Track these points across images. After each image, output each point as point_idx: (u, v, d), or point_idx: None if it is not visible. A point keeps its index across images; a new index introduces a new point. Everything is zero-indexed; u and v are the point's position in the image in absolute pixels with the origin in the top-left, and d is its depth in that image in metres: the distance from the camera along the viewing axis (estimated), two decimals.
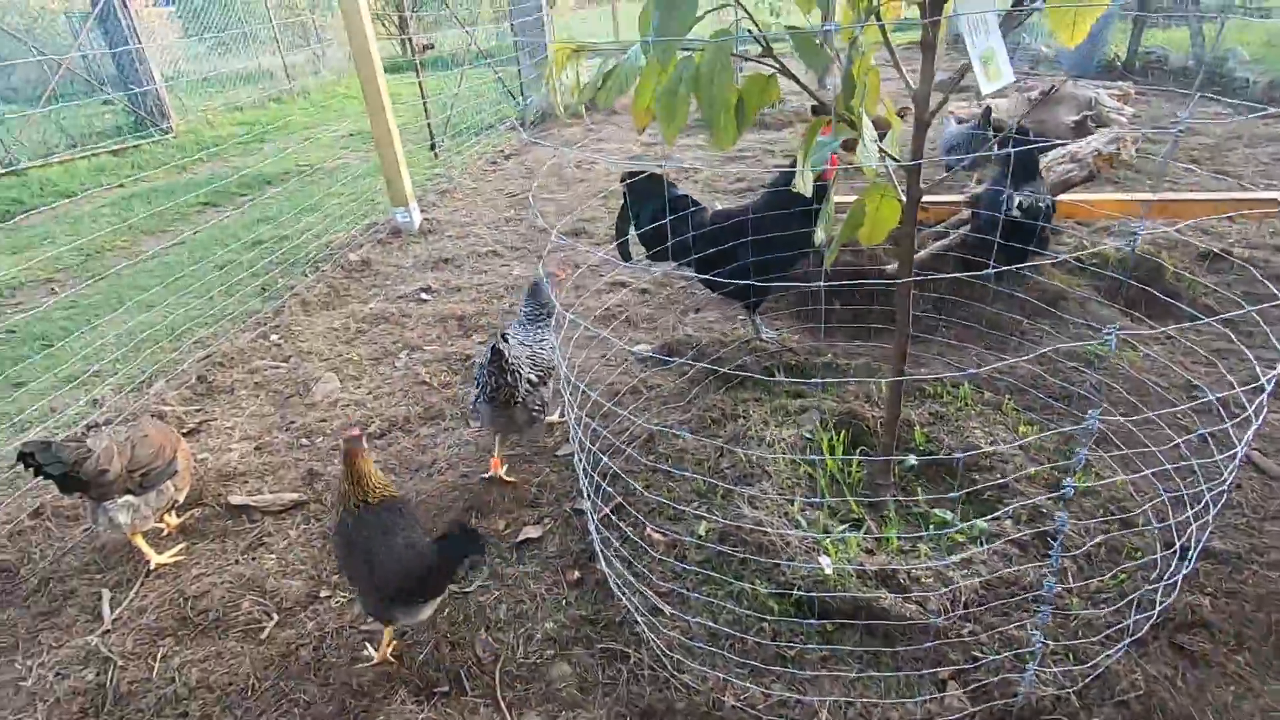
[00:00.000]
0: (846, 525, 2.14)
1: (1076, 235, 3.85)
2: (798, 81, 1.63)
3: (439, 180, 6.62)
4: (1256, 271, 3.52)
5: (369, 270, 4.70)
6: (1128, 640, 1.73)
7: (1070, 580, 1.88)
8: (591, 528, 1.96)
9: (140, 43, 9.30)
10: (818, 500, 2.19)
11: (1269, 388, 1.57)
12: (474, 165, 7.15)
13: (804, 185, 1.70)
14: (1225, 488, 1.72)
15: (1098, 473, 2.26)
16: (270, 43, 13.33)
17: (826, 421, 2.51)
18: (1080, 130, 5.25)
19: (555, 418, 2.87)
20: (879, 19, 1.59)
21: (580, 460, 1.90)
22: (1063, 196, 3.37)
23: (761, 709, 1.69)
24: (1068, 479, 1.40)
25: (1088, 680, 1.67)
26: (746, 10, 1.51)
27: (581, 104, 1.59)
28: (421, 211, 5.55)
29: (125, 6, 9.08)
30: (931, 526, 2.09)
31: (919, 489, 2.25)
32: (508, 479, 2.57)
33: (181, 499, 2.43)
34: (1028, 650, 1.66)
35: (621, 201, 2.96)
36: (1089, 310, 3.21)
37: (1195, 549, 1.81)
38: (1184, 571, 1.77)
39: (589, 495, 1.93)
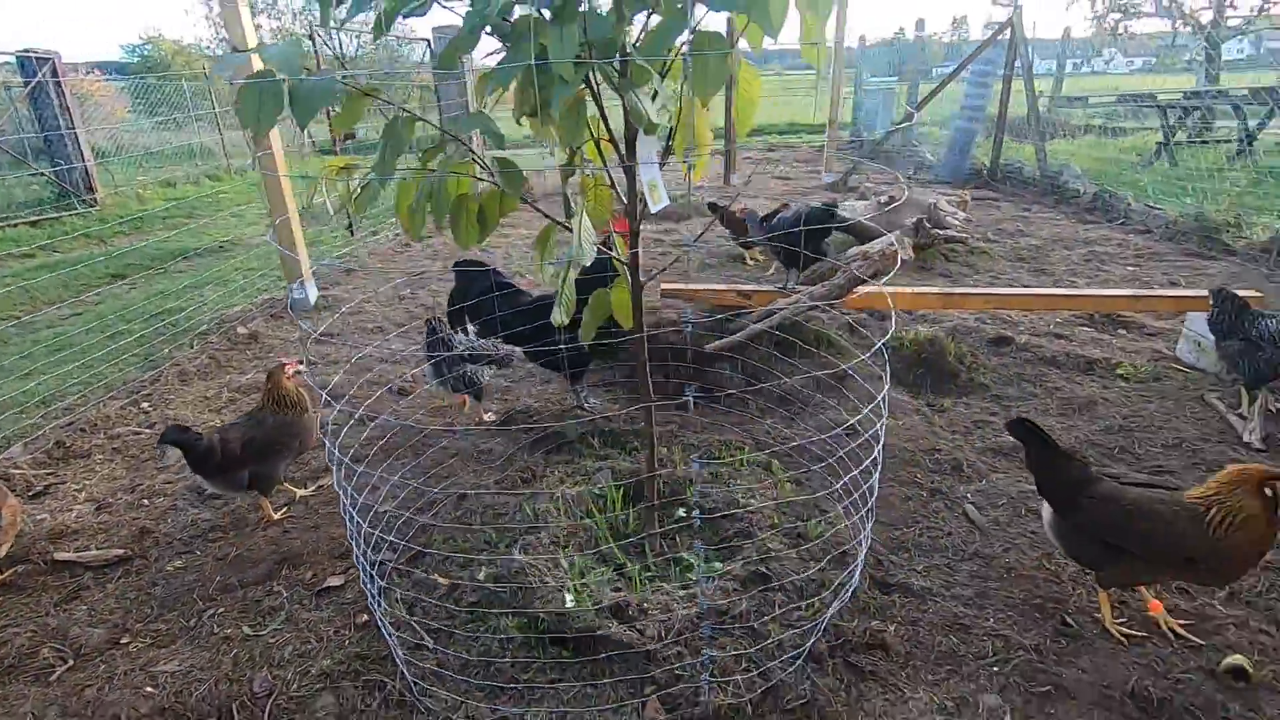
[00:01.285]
0: (610, 568, 2.43)
1: (870, 324, 4.40)
2: (530, 203, 2.05)
3: (347, 259, 6.97)
4: (1031, 354, 4.11)
5: (255, 343, 4.93)
6: (802, 659, 2.05)
7: (775, 609, 2.21)
8: (363, 576, 2.20)
9: (71, 118, 9.61)
10: (579, 550, 2.48)
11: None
12: (386, 247, 7.55)
13: (559, 317, 2.12)
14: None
15: (830, 521, 2.62)
16: (211, 120, 13.81)
17: (618, 479, 2.84)
18: (918, 231, 5.98)
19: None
20: (585, 158, 2.03)
21: (350, 514, 2.16)
22: (861, 289, 3.91)
23: (482, 717, 1.93)
24: (695, 511, 1.73)
25: (762, 691, 1.97)
26: (471, 149, 1.93)
27: (347, 210, 1.97)
28: (321, 289, 5.86)
29: (59, 83, 9.43)
30: (677, 568, 2.40)
31: (678, 537, 2.57)
32: (274, 516, 2.92)
33: (1, 553, 2.57)
34: (708, 666, 1.96)
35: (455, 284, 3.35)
36: (872, 387, 3.67)
37: (855, 575, 2.17)
38: (836, 603, 2.11)
39: (357, 547, 2.18)
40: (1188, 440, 3.20)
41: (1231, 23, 15.01)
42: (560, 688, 2.03)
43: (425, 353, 3.40)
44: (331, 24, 1.85)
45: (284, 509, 3.01)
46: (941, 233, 6.09)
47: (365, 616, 2.38)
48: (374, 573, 2.18)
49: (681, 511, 2.69)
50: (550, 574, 2.34)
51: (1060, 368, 4.00)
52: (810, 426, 3.27)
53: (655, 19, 1.75)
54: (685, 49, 1.67)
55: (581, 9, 1.64)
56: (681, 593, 2.25)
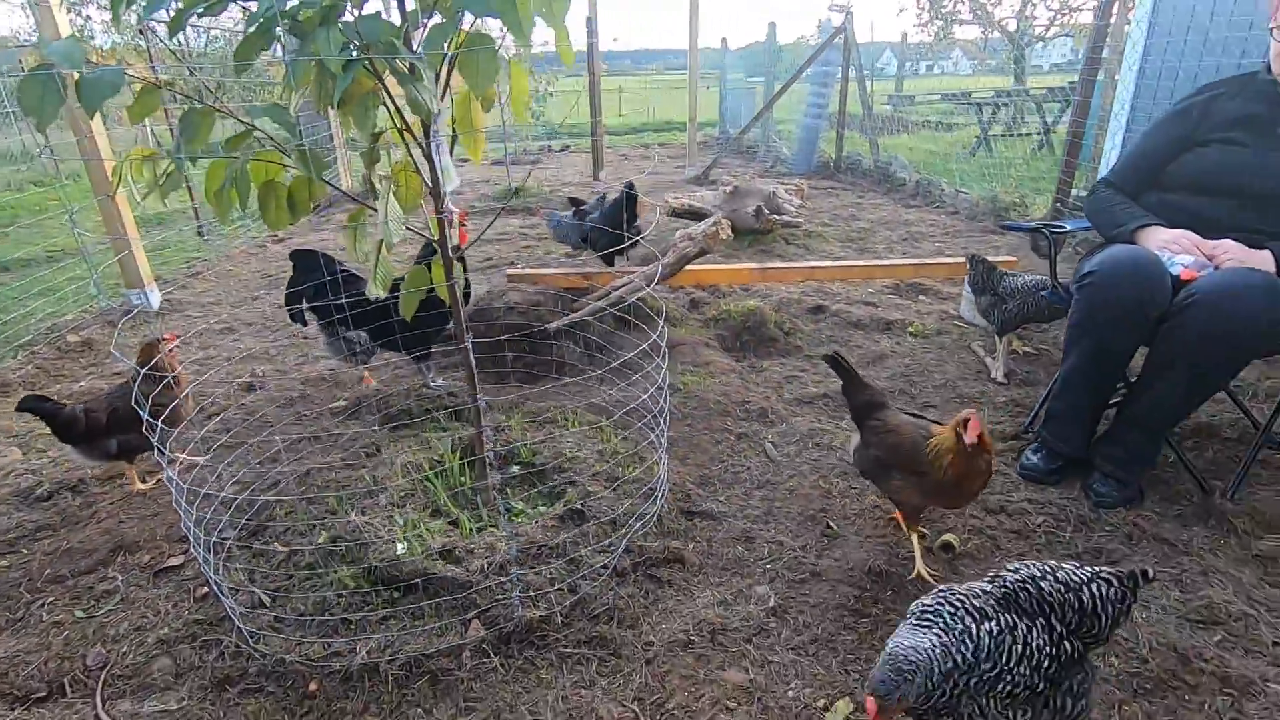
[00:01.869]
0: (444, 522, 2.67)
1: (702, 296, 4.86)
2: (330, 185, 2.24)
3: (196, 263, 6.72)
4: (841, 319, 4.67)
5: (90, 351, 4.74)
6: (608, 575, 2.38)
7: (590, 539, 2.52)
8: (198, 552, 2.32)
9: None
10: (417, 510, 2.70)
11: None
12: (240, 249, 7.31)
13: (375, 289, 2.30)
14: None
15: (650, 465, 2.97)
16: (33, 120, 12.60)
17: (457, 447, 3.07)
18: (758, 216, 6.54)
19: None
20: (388, 141, 2.25)
21: (179, 502, 2.28)
22: (689, 267, 4.33)
23: (317, 659, 2.12)
24: (514, 468, 2.01)
25: (571, 604, 2.28)
26: (267, 134, 2.11)
27: (151, 197, 2.09)
28: (165, 294, 5.66)
29: None
30: (507, 517, 2.67)
31: (509, 491, 2.84)
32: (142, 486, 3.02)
33: None
34: (517, 584, 2.24)
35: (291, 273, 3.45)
36: (699, 353, 4.10)
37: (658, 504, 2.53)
38: (639, 525, 2.46)
39: (189, 527, 2.30)
40: (951, 380, 3.83)
41: (1037, 31, 17.14)
42: (390, 624, 2.24)
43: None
44: (133, 20, 1.97)
45: (155, 480, 3.09)
46: (779, 218, 6.69)
47: (205, 590, 2.48)
48: (213, 548, 2.30)
49: (514, 469, 2.96)
50: (386, 530, 2.54)
51: (864, 329, 4.60)
52: (640, 390, 3.63)
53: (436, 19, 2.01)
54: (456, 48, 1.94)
55: (358, 13, 1.87)
56: (505, 534, 2.52)
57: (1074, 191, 6.67)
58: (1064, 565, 1.63)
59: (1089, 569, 1.62)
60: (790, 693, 1.99)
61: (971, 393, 3.69)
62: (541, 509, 2.71)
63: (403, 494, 2.78)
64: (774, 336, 4.38)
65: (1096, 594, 1.56)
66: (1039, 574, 1.61)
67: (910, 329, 4.56)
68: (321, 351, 4.11)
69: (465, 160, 12.94)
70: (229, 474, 3.05)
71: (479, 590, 2.31)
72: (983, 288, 3.97)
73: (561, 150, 14.98)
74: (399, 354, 3.66)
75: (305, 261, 3.45)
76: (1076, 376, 2.76)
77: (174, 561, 2.64)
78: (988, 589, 1.63)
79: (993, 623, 1.55)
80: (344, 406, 3.72)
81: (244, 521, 2.73)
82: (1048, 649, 1.54)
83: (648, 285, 4.12)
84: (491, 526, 2.63)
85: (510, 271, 4.46)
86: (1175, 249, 2.65)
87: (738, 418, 3.48)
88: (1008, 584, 1.61)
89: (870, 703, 1.47)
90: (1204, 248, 2.62)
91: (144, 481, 3.11)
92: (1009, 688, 1.52)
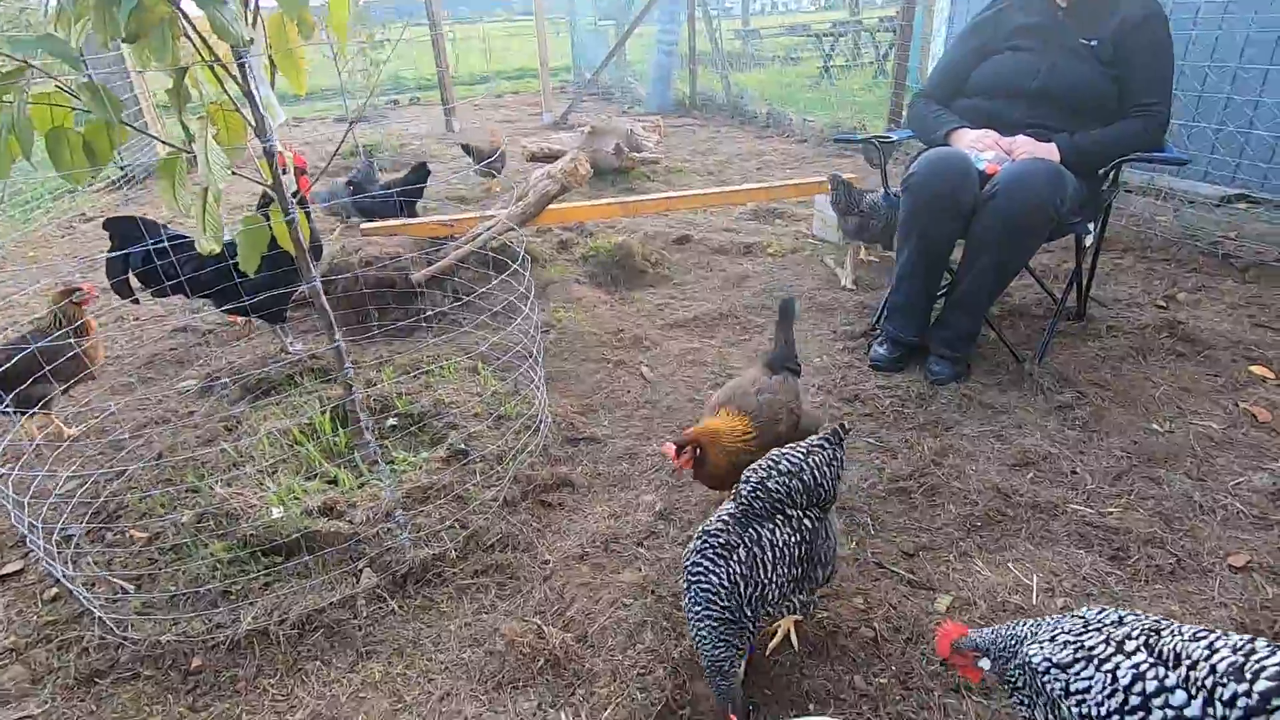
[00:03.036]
0: (322, 483, 2.57)
1: (571, 234, 4.88)
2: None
3: None
4: (706, 247, 4.81)
5: None
6: (498, 506, 2.42)
7: (477, 476, 2.53)
8: (41, 554, 2.11)
9: None
10: (290, 476, 2.59)
11: None
12: (40, 232, 6.41)
13: (208, 245, 2.10)
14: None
15: (527, 399, 3.00)
16: None
17: (326, 407, 2.94)
18: (618, 154, 6.54)
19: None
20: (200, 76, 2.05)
21: (9, 507, 2.05)
22: (551, 206, 4.29)
23: (197, 635, 2.02)
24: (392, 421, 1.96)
25: (464, 538, 2.30)
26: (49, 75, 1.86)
27: None
28: None
29: None
30: (388, 466, 2.62)
31: (389, 442, 2.78)
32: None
33: None
34: (405, 526, 2.24)
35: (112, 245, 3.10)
36: (570, 290, 4.12)
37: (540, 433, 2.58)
38: (524, 457, 2.51)
39: (24, 528, 2.09)
40: (808, 291, 4.10)
41: None
42: (275, 588, 2.17)
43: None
44: None
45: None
46: (639, 155, 6.73)
47: (54, 591, 2.27)
48: (57, 547, 2.10)
49: (391, 420, 2.89)
50: (257, 498, 2.42)
51: (727, 254, 4.79)
52: (513, 330, 3.61)
53: None
54: None
55: None
56: (385, 481, 2.48)
57: (904, 112, 7.18)
58: (784, 454, 1.76)
59: (801, 447, 1.78)
60: (679, 582, 2.14)
61: (825, 300, 3.97)
62: (424, 455, 2.67)
63: (273, 461, 2.65)
64: (642, 269, 4.47)
65: (815, 465, 1.74)
66: (764, 474, 1.73)
67: (769, 250, 4.80)
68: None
69: (298, 122, 11.94)
70: (66, 469, 2.76)
71: (366, 540, 2.27)
72: (846, 208, 4.14)
73: (410, 104, 14.10)
74: (246, 317, 3.40)
75: (123, 229, 3.09)
76: (908, 270, 3.06)
77: (11, 567, 2.39)
78: (729, 514, 1.74)
79: (740, 549, 1.67)
80: (195, 385, 3.43)
81: (89, 514, 2.50)
82: (794, 538, 1.71)
83: (512, 227, 4.06)
84: (375, 479, 2.57)
85: (365, 226, 4.23)
86: (980, 147, 2.96)
87: (613, 347, 3.56)
88: (743, 498, 1.74)
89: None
90: (1003, 144, 2.94)
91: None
92: (776, 591, 1.68)
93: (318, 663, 1.98)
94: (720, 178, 6.90)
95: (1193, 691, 1.15)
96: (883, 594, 2.04)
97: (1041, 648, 1.37)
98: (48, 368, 2.61)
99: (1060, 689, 1.30)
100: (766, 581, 1.67)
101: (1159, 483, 2.38)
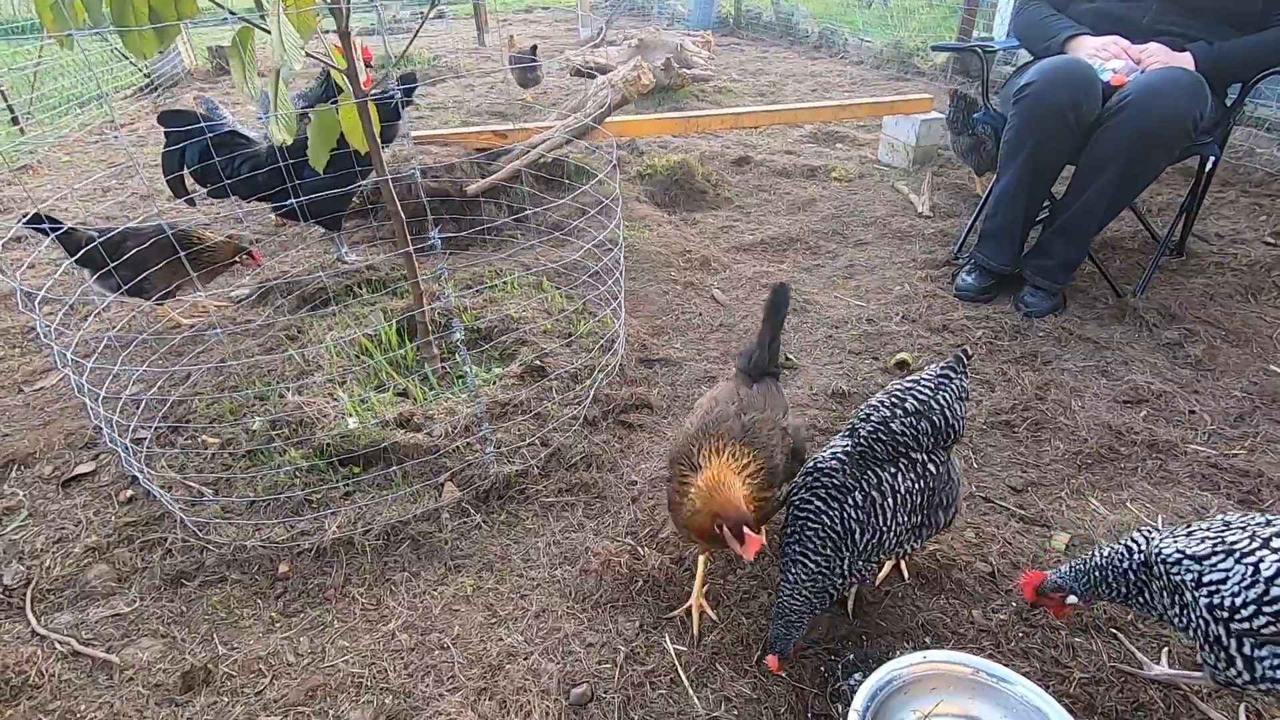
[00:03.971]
0: (393, 394, 2.49)
1: (633, 149, 4.63)
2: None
3: (18, 155, 5.67)
4: (767, 169, 4.57)
5: None
6: (579, 425, 2.32)
7: (554, 394, 2.43)
8: (120, 451, 2.05)
9: None
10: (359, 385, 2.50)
11: None
12: (72, 139, 6.23)
13: (280, 134, 1.93)
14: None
15: (602, 319, 2.87)
16: None
17: (390, 319, 2.83)
18: (667, 70, 6.18)
19: None
20: None
21: (87, 395, 1.97)
22: (611, 118, 4.04)
23: (281, 542, 1.97)
24: (455, 322, 1.83)
25: (547, 456, 2.21)
26: None
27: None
28: None
29: None
30: (460, 383, 2.52)
31: (459, 360, 2.67)
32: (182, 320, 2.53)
33: None
34: (490, 441, 2.15)
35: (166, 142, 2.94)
36: (631, 208, 3.92)
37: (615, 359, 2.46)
38: (602, 377, 2.39)
39: (104, 427, 2.02)
40: (881, 218, 3.87)
41: None
42: (356, 498, 2.11)
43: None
44: None
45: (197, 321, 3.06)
46: (689, 72, 6.36)
47: (129, 493, 2.23)
48: (129, 449, 2.03)
49: (457, 336, 2.77)
50: (331, 408, 2.34)
51: (790, 177, 4.54)
52: (575, 248, 3.45)
53: None
54: None
55: None
56: (465, 398, 2.38)
57: (975, 32, 6.70)
58: (910, 390, 1.61)
59: (929, 377, 1.63)
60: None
61: (902, 227, 3.75)
62: (496, 370, 2.57)
63: (340, 371, 2.56)
64: (703, 189, 4.25)
65: (946, 403, 1.59)
66: (888, 414, 1.58)
67: (833, 174, 4.54)
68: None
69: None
70: (127, 374, 2.69)
71: (447, 454, 2.19)
72: (962, 128, 3.84)
73: (438, 17, 13.47)
74: (304, 224, 3.26)
75: (179, 121, 2.92)
76: (1010, 191, 2.83)
77: (84, 469, 2.34)
78: (845, 452, 1.60)
79: (856, 493, 1.55)
80: (248, 293, 3.33)
81: (158, 419, 2.44)
82: (917, 484, 1.57)
83: (571, 138, 3.83)
84: (446, 393, 2.48)
85: (416, 134, 4.02)
86: (1105, 56, 2.68)
87: (680, 268, 3.39)
88: (862, 440, 1.59)
89: (771, 661, 1.51)
90: (1132, 53, 2.66)
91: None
92: (893, 539, 1.56)
93: (405, 574, 1.93)
94: (774, 98, 6.53)
95: None
96: (994, 529, 1.94)
97: (1175, 542, 1.33)
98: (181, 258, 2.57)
99: (1192, 579, 1.27)
100: (884, 529, 1.55)
101: None
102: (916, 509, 1.57)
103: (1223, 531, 1.31)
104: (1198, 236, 3.41)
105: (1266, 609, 1.19)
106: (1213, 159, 2.80)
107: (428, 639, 1.74)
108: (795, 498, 1.62)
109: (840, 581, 1.55)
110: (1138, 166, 2.54)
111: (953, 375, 1.65)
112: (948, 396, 1.60)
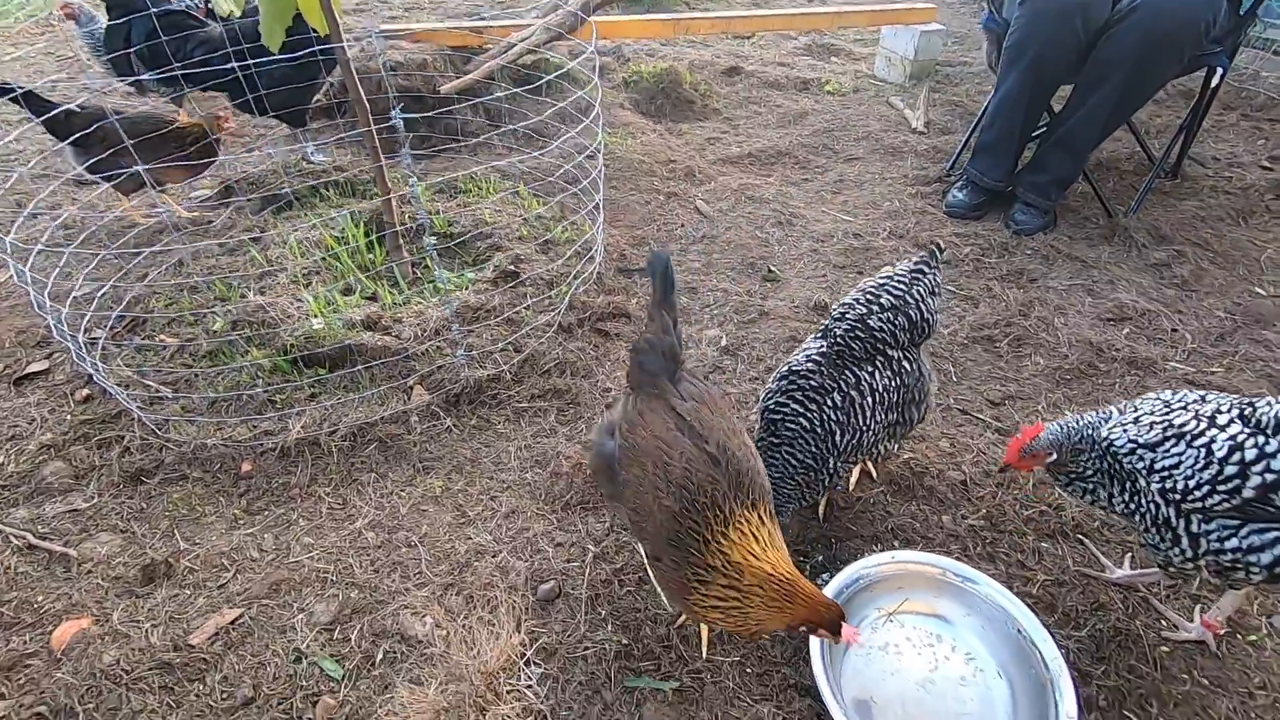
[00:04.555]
0: (360, 296, 2.39)
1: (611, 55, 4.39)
2: None
3: None
4: (758, 80, 4.35)
5: None
6: (554, 331, 2.26)
7: (528, 299, 2.35)
8: (74, 349, 1.95)
9: None
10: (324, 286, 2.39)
11: None
12: (18, 27, 5.78)
13: (226, 4, 1.74)
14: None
15: (579, 226, 2.75)
16: None
17: (358, 221, 2.69)
18: None
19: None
20: None
21: (40, 294, 1.85)
22: (595, 18, 3.79)
23: (244, 441, 1.92)
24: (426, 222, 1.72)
25: (520, 361, 2.15)
26: None
27: None
28: None
29: None
30: (430, 286, 2.42)
31: (430, 261, 2.56)
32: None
33: None
34: (461, 344, 2.08)
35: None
36: (615, 115, 3.74)
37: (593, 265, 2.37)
38: (579, 284, 2.31)
39: (55, 325, 1.91)
40: (874, 133, 3.73)
41: None
42: (322, 399, 2.04)
43: None
44: None
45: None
46: None
47: (85, 392, 2.14)
48: (85, 347, 1.93)
49: (430, 239, 2.66)
50: (295, 309, 2.24)
51: (781, 89, 4.33)
52: (553, 154, 3.29)
53: None
54: None
55: None
56: (436, 300, 2.30)
57: None
58: (884, 287, 1.57)
59: (902, 271, 1.59)
60: (751, 417, 2.02)
61: (894, 143, 3.62)
62: (469, 275, 2.47)
63: (305, 272, 2.45)
64: (690, 99, 4.05)
65: (920, 297, 1.55)
66: (864, 311, 1.54)
67: (827, 87, 4.34)
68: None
69: None
70: (79, 271, 2.56)
71: (416, 356, 2.12)
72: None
73: None
74: (263, 115, 3.04)
75: (130, 4, 2.67)
76: (1009, 100, 2.71)
77: (36, 367, 2.25)
78: (820, 354, 1.56)
79: (835, 394, 1.51)
80: (210, 193, 3.16)
81: (114, 318, 2.33)
82: (894, 381, 1.54)
83: (552, 37, 3.60)
84: (417, 296, 2.39)
85: (385, 26, 3.75)
86: None
87: (664, 178, 3.26)
88: (837, 338, 1.55)
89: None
90: None
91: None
92: (870, 438, 1.54)
93: (373, 475, 1.89)
94: (768, 4, 6.19)
95: None
96: (969, 440, 1.93)
97: (1124, 430, 1.32)
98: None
99: (1144, 467, 1.28)
100: (863, 429, 1.53)
101: (1266, 345, 2.21)
102: (893, 407, 1.55)
103: (1167, 414, 1.31)
104: (1194, 159, 3.32)
105: (1221, 488, 1.20)
106: (1220, 71, 2.68)
107: (395, 537, 1.72)
108: (771, 402, 1.58)
109: (821, 480, 1.54)
110: (1144, 73, 2.42)
111: (926, 270, 1.61)
112: (921, 290, 1.56)
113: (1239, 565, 1.23)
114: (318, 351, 2.10)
